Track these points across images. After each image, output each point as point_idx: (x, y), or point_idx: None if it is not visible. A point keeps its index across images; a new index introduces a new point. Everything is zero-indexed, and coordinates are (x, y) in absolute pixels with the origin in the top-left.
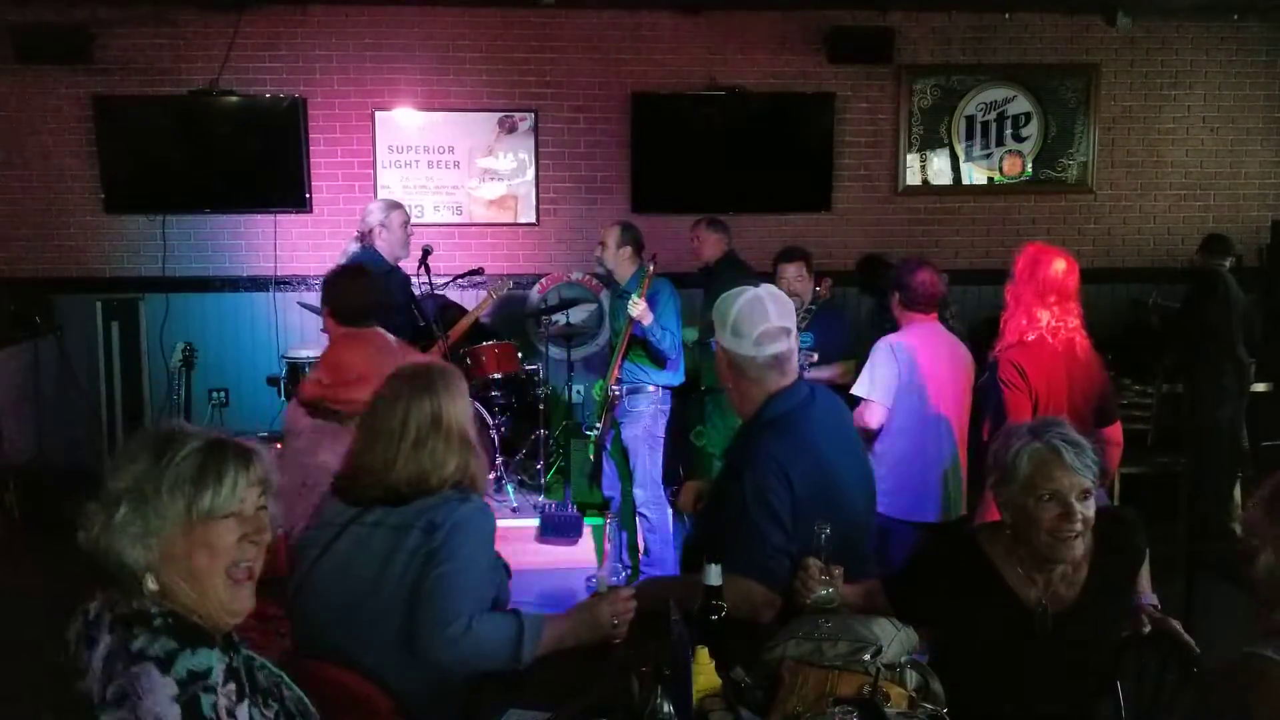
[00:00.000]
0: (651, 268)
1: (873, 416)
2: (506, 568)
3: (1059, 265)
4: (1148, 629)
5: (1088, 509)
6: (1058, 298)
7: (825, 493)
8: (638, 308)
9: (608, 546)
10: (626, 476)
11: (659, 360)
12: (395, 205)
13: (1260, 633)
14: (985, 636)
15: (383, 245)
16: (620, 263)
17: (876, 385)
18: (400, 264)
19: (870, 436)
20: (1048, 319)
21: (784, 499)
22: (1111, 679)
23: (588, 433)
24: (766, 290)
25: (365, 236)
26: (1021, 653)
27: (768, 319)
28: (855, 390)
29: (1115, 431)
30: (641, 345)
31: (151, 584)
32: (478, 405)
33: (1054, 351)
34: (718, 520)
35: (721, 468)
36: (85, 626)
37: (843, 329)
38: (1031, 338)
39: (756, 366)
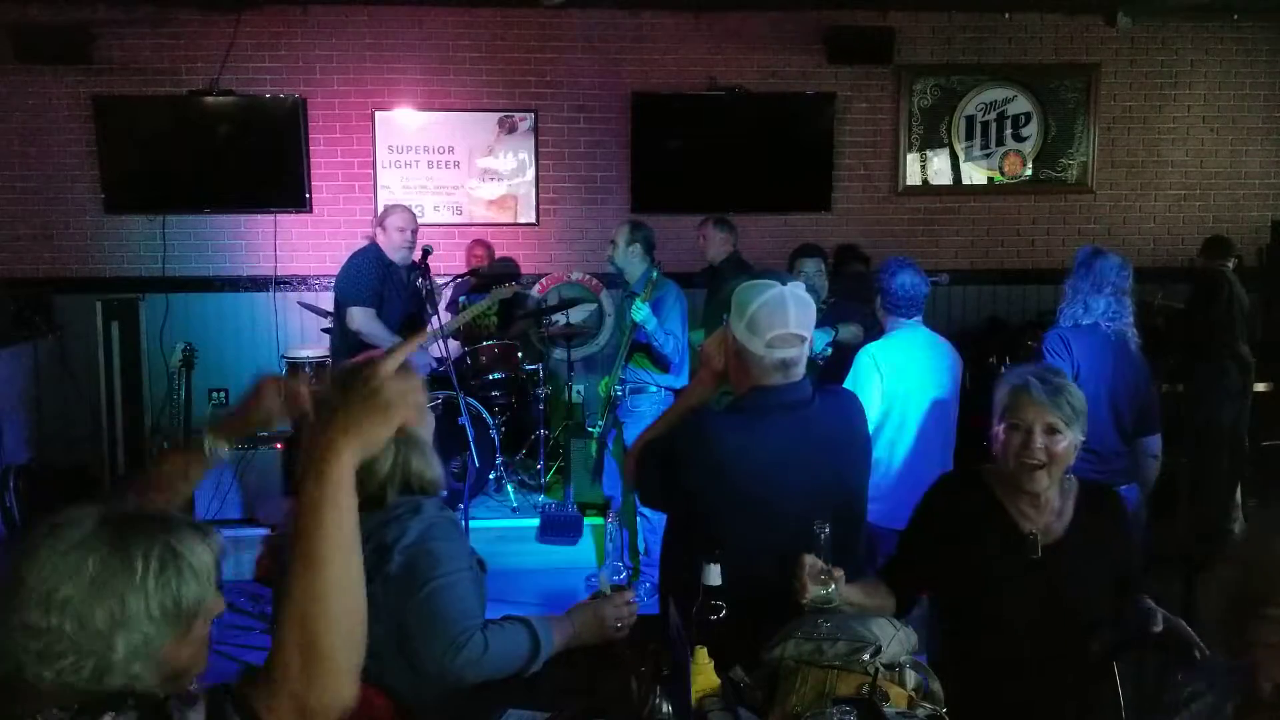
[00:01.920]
0: (655, 274)
1: None
2: (482, 563)
3: (1114, 259)
4: (1159, 627)
5: (1054, 444)
6: (1113, 289)
7: (723, 490)
8: (640, 313)
9: (609, 546)
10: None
11: (662, 364)
12: (392, 209)
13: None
14: (986, 562)
15: (383, 244)
16: (629, 261)
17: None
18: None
19: None
20: (1103, 307)
21: (672, 465)
22: (1108, 660)
23: (590, 430)
24: (792, 292)
25: (373, 235)
26: (1017, 579)
27: (786, 324)
28: None
29: (1154, 443)
30: (644, 350)
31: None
32: (477, 405)
33: (1105, 337)
34: None
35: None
36: None
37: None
38: (1086, 322)
39: (761, 366)
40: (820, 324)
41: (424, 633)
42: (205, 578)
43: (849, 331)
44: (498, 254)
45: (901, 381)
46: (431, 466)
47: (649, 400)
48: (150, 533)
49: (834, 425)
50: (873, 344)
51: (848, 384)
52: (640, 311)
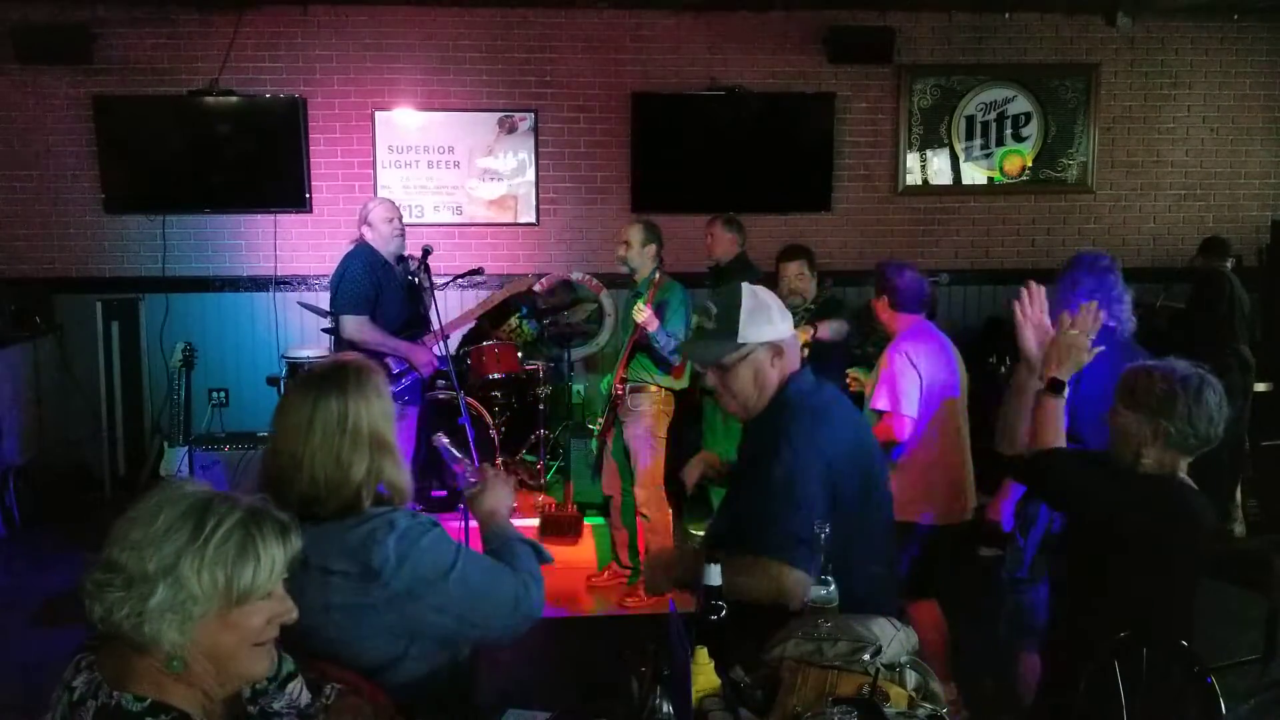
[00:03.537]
0: (658, 275)
1: (902, 429)
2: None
3: (1087, 258)
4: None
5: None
6: (1071, 283)
7: (864, 478)
8: (642, 314)
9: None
10: (627, 476)
11: (664, 366)
12: (379, 201)
13: None
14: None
15: (372, 242)
16: (644, 261)
17: (901, 397)
18: (403, 258)
19: (888, 447)
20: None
21: (823, 481)
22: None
23: (590, 428)
24: (747, 285)
25: (360, 235)
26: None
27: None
28: (876, 405)
29: None
30: (646, 350)
31: (177, 665)
32: (477, 405)
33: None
34: (747, 503)
35: (748, 448)
36: (70, 709)
37: (842, 310)
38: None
39: (791, 343)
40: (804, 324)
41: (481, 611)
42: (268, 571)
43: (833, 329)
44: (496, 254)
45: (932, 379)
46: (403, 473)
47: (649, 399)
48: (232, 511)
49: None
50: (903, 341)
51: (883, 384)
52: (642, 312)
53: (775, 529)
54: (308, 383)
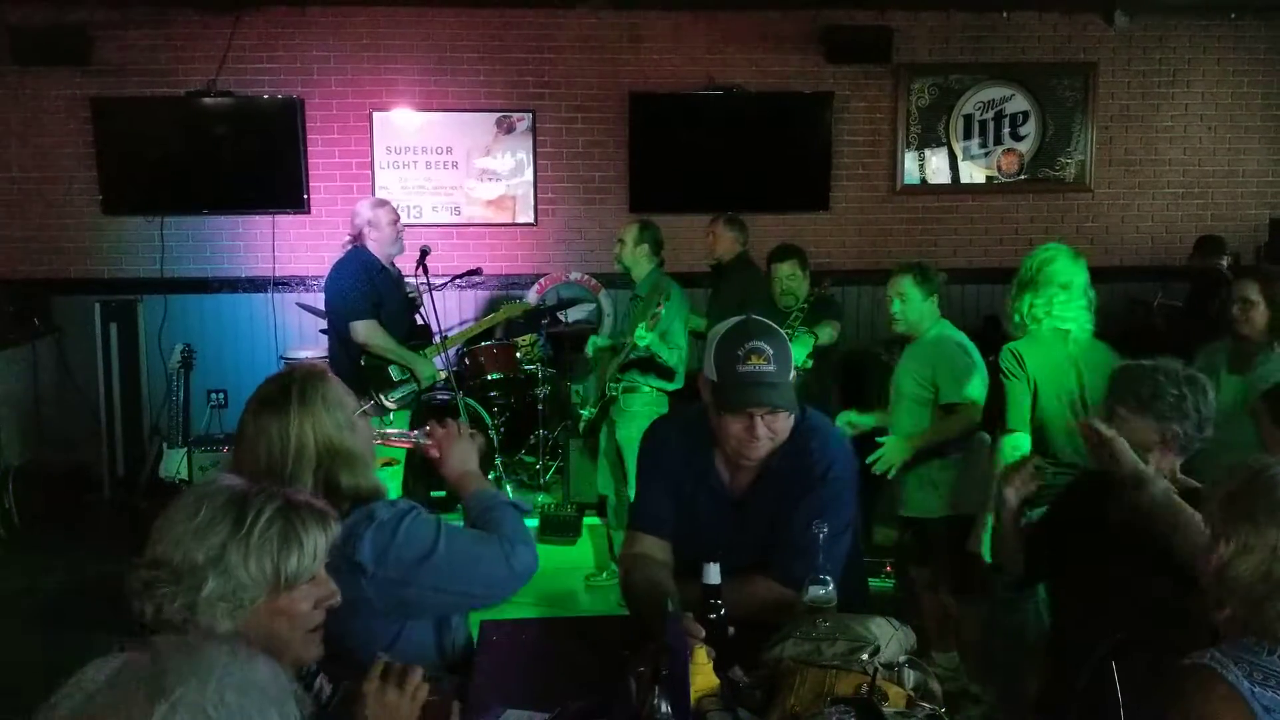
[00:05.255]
0: (660, 309)
1: (979, 414)
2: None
3: (1041, 257)
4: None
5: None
6: (1020, 287)
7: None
8: (645, 339)
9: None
10: (621, 477)
11: (665, 375)
12: (381, 203)
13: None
14: None
15: (373, 244)
16: (636, 261)
17: (981, 384)
18: (397, 263)
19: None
20: (1029, 307)
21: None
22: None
23: (581, 412)
24: (736, 321)
25: (356, 238)
26: None
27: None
28: (964, 394)
29: None
30: (648, 363)
31: None
32: (476, 405)
33: (1050, 339)
34: (764, 531)
35: (769, 482)
36: None
37: (833, 310)
38: (1032, 327)
39: None
40: (798, 324)
41: (477, 580)
42: (311, 556)
43: (827, 333)
44: (494, 254)
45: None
46: (366, 477)
47: (642, 400)
48: (272, 500)
49: None
50: (959, 334)
51: (951, 379)
52: (645, 338)
53: (813, 559)
54: (254, 404)
